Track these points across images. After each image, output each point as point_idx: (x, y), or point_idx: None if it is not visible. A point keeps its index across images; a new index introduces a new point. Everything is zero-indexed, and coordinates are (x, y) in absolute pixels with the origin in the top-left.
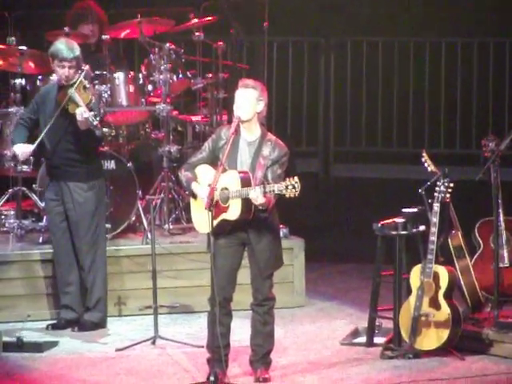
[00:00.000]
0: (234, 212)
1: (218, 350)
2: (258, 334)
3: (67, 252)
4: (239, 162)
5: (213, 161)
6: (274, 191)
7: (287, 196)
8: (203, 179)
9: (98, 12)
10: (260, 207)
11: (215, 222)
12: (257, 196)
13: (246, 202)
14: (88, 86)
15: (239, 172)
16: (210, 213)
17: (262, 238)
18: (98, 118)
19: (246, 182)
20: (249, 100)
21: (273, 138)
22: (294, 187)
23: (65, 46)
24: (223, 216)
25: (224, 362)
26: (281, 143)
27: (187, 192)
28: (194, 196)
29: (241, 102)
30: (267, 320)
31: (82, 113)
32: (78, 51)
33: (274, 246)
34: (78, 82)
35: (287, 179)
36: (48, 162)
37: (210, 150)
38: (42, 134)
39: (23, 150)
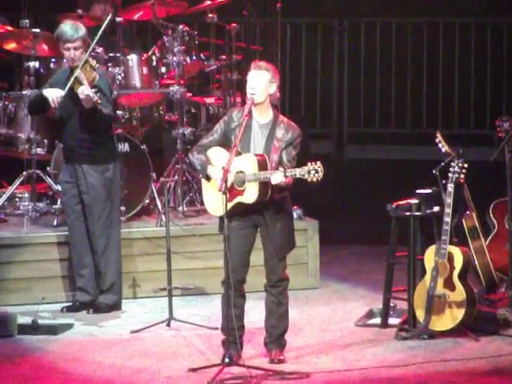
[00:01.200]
0: (250, 195)
1: (233, 332)
2: (273, 315)
3: (82, 235)
4: (252, 144)
5: (224, 143)
6: (295, 175)
7: (309, 180)
8: (216, 162)
9: None
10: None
11: (230, 205)
12: (279, 180)
13: (264, 185)
14: (96, 65)
15: (256, 155)
16: (225, 195)
17: (278, 220)
18: (98, 95)
19: (262, 166)
20: (262, 82)
21: (285, 120)
22: (316, 172)
23: (69, 28)
24: (238, 199)
25: (239, 344)
26: (293, 125)
27: (201, 175)
28: (208, 178)
29: (254, 84)
30: (281, 301)
31: (83, 90)
32: (82, 32)
33: (289, 228)
34: (83, 61)
35: (309, 163)
36: (63, 144)
37: (221, 132)
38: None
39: (55, 93)
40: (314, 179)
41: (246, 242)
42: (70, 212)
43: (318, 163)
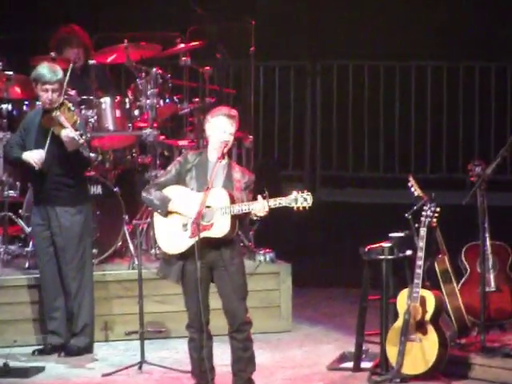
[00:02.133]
0: (222, 229)
1: (205, 374)
2: (240, 360)
3: (53, 277)
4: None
5: (177, 183)
6: (280, 204)
7: (295, 209)
8: (176, 199)
9: (83, 36)
10: (255, 218)
11: (193, 241)
12: (263, 207)
13: (234, 219)
14: (72, 107)
15: (226, 190)
16: (198, 239)
17: (235, 258)
18: (83, 137)
19: (232, 201)
20: (233, 130)
21: (238, 166)
22: (305, 199)
23: (47, 70)
24: (205, 234)
25: None
26: (247, 170)
27: (159, 210)
28: (166, 215)
29: (229, 131)
30: (247, 345)
31: (67, 133)
32: (60, 74)
33: (243, 268)
34: (62, 104)
35: (294, 192)
36: (35, 186)
37: (176, 173)
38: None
39: (38, 155)
40: (301, 207)
41: (206, 283)
42: (41, 255)
43: (306, 191)
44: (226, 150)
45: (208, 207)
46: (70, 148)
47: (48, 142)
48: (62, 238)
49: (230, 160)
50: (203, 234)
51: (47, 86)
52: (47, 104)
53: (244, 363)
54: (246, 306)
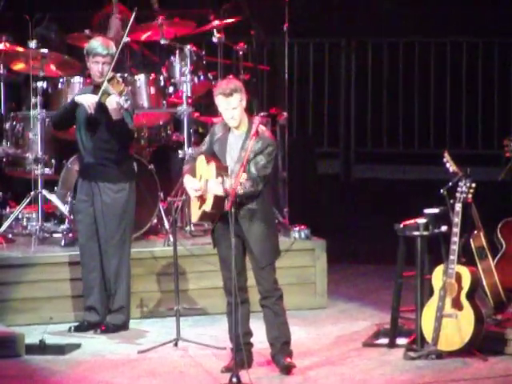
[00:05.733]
0: (208, 203)
1: (238, 339)
2: (272, 326)
3: (93, 254)
4: (228, 156)
5: (212, 153)
6: (230, 185)
7: (238, 192)
8: (199, 170)
9: (127, 16)
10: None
11: (199, 212)
12: (214, 190)
13: (216, 197)
14: (120, 79)
15: (217, 165)
16: (233, 212)
17: (254, 229)
18: (129, 103)
19: (220, 175)
20: (236, 101)
21: (260, 130)
22: (240, 184)
23: (100, 44)
24: (203, 207)
25: (246, 353)
26: (266, 135)
27: None
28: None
29: (231, 105)
30: (277, 311)
31: (113, 99)
32: (113, 49)
33: (268, 236)
34: (112, 78)
35: (240, 176)
36: (82, 160)
37: (208, 145)
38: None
39: (89, 98)
40: (239, 191)
41: (237, 249)
42: (84, 230)
43: (244, 175)
44: (237, 123)
45: (207, 181)
46: (115, 116)
47: (98, 98)
48: (103, 214)
49: (255, 127)
50: (202, 208)
51: (98, 59)
52: (97, 77)
53: (276, 329)
54: (270, 274)
